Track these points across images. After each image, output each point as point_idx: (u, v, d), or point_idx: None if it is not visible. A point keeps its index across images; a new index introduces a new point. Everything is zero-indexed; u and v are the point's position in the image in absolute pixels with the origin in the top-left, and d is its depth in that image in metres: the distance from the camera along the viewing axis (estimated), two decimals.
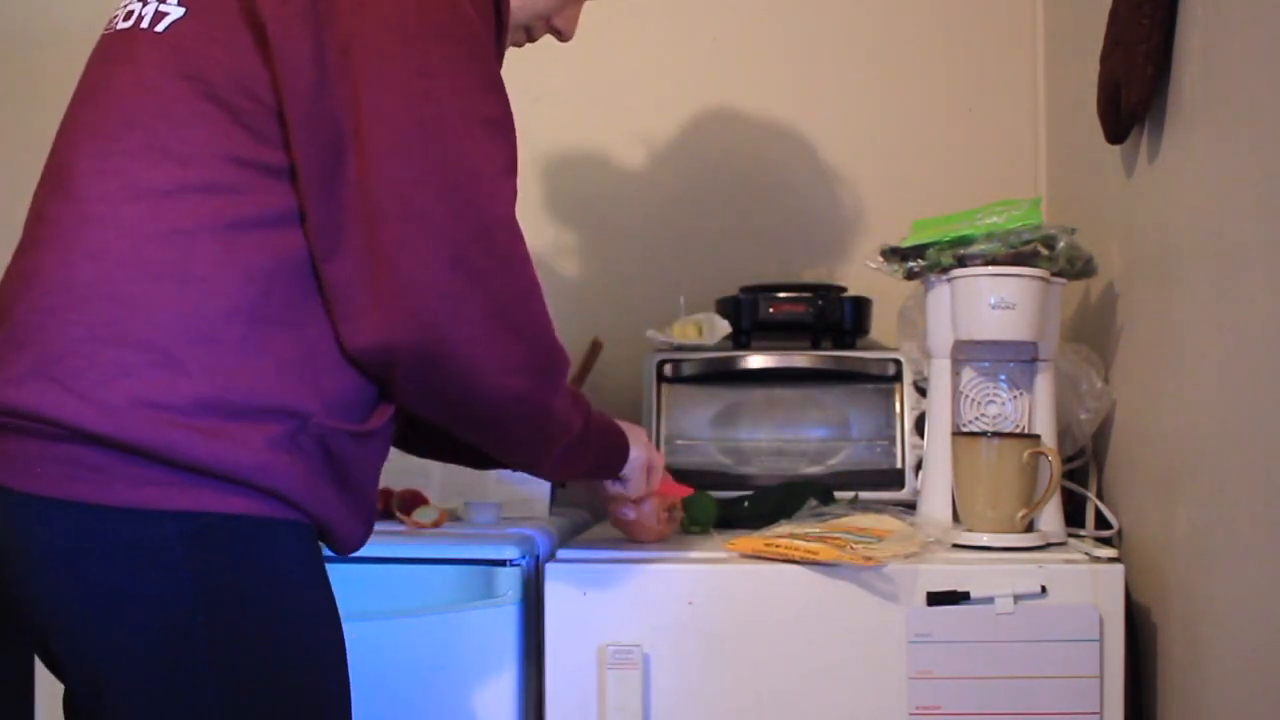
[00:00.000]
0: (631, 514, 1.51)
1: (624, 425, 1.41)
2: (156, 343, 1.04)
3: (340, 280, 1.08)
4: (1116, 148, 1.63)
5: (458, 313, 1.08)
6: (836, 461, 1.85)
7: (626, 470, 1.42)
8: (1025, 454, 1.50)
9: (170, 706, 1.05)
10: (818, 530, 1.52)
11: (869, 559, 1.41)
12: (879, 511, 1.63)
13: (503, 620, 1.51)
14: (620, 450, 1.40)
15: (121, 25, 1.17)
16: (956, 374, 1.60)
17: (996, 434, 1.55)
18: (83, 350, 1.03)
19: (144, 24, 1.14)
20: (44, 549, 1.04)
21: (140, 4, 1.16)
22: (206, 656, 1.04)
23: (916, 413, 1.77)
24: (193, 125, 1.08)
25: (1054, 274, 1.56)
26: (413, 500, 1.76)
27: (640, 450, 1.42)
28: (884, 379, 1.84)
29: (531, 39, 1.42)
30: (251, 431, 1.05)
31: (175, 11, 1.13)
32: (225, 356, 1.05)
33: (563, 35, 1.43)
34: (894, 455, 1.82)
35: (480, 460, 1.37)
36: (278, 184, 1.09)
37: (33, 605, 1.06)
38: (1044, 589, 1.41)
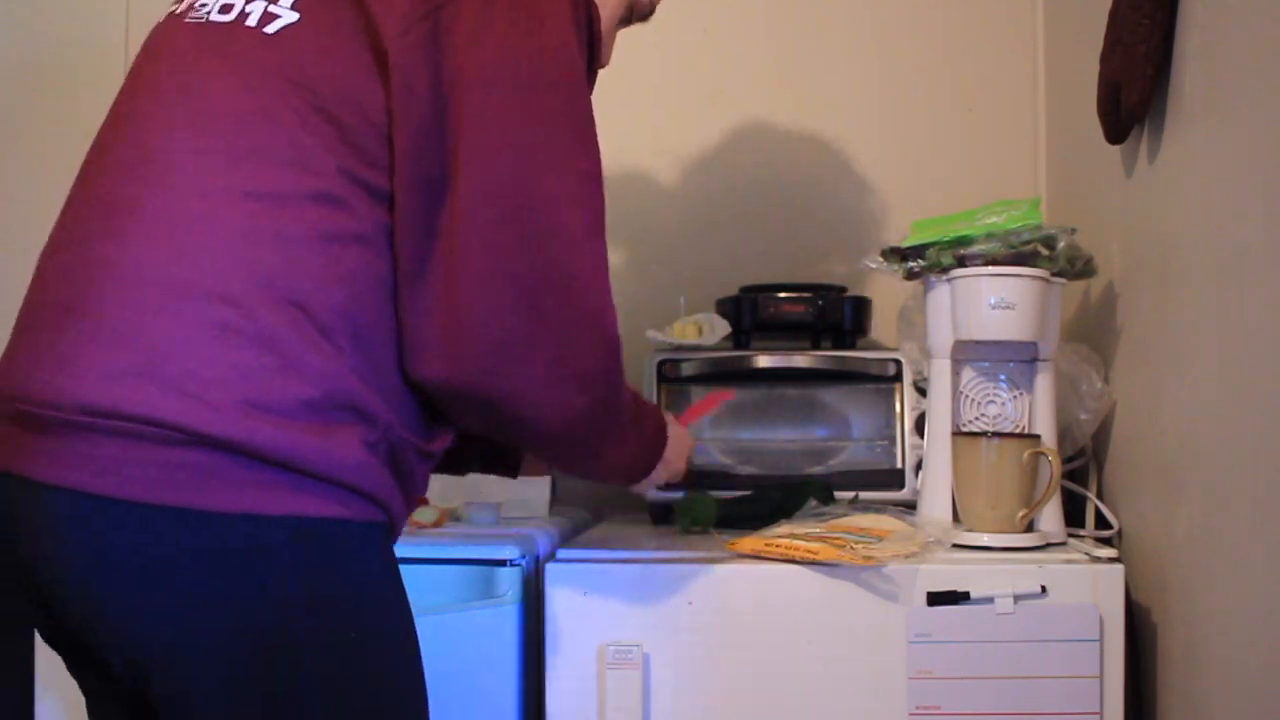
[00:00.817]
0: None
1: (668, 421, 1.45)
2: (268, 345, 1.03)
3: (416, 309, 1.09)
4: (1116, 148, 1.63)
5: (521, 360, 1.10)
6: (836, 461, 1.85)
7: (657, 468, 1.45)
8: (1025, 454, 1.50)
9: (270, 711, 1.04)
10: (818, 530, 1.52)
11: (869, 559, 1.41)
12: (879, 511, 1.62)
13: (503, 620, 1.51)
14: (657, 452, 1.42)
15: (218, 17, 1.14)
16: (956, 374, 1.60)
17: (996, 434, 1.55)
18: (194, 351, 1.01)
19: (249, 21, 1.12)
20: (136, 556, 1.00)
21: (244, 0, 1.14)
22: (311, 660, 1.04)
23: (916, 413, 1.77)
24: (301, 134, 1.07)
25: (1054, 274, 1.56)
26: None
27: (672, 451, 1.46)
28: (884, 379, 1.84)
29: None
30: (349, 434, 1.06)
31: (289, 16, 1.12)
32: (330, 360, 1.06)
33: (602, 63, 1.42)
34: (894, 455, 1.82)
35: (514, 470, 1.48)
36: (379, 205, 1.09)
37: (113, 615, 1.01)
38: (1044, 589, 1.41)
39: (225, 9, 1.14)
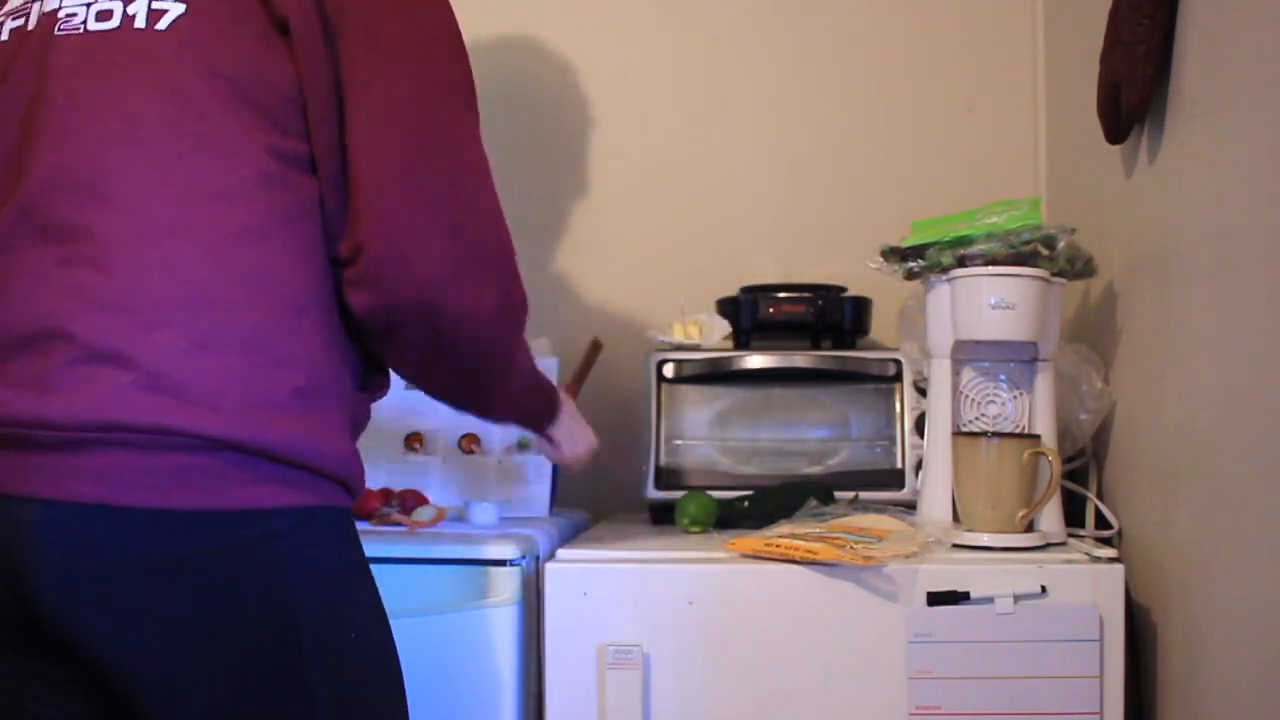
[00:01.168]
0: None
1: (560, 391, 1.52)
2: (255, 344, 1.05)
3: (348, 249, 1.12)
4: (1116, 148, 1.63)
5: (456, 276, 1.14)
6: (836, 461, 1.85)
7: (556, 433, 1.53)
8: (1025, 454, 1.50)
9: (280, 702, 1.07)
10: (818, 530, 1.52)
11: (869, 559, 1.41)
12: (879, 511, 1.62)
13: (503, 620, 1.51)
14: (553, 405, 1.49)
15: (98, 25, 1.11)
16: (956, 374, 1.60)
17: (996, 434, 1.55)
18: (188, 362, 1.02)
19: (138, 23, 1.10)
20: (146, 560, 1.01)
21: (121, 3, 1.12)
22: (315, 645, 1.07)
23: (916, 413, 1.77)
24: (228, 121, 1.08)
25: (1054, 274, 1.56)
26: (413, 501, 1.76)
27: (567, 418, 1.54)
28: (884, 379, 1.84)
29: None
30: (334, 420, 1.12)
31: (175, 7, 1.11)
32: (309, 339, 1.10)
33: None
34: (894, 455, 1.82)
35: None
36: (307, 172, 1.12)
37: (118, 621, 1.01)
38: (1044, 589, 1.41)
39: (103, 15, 1.11)
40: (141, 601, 1.01)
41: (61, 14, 1.13)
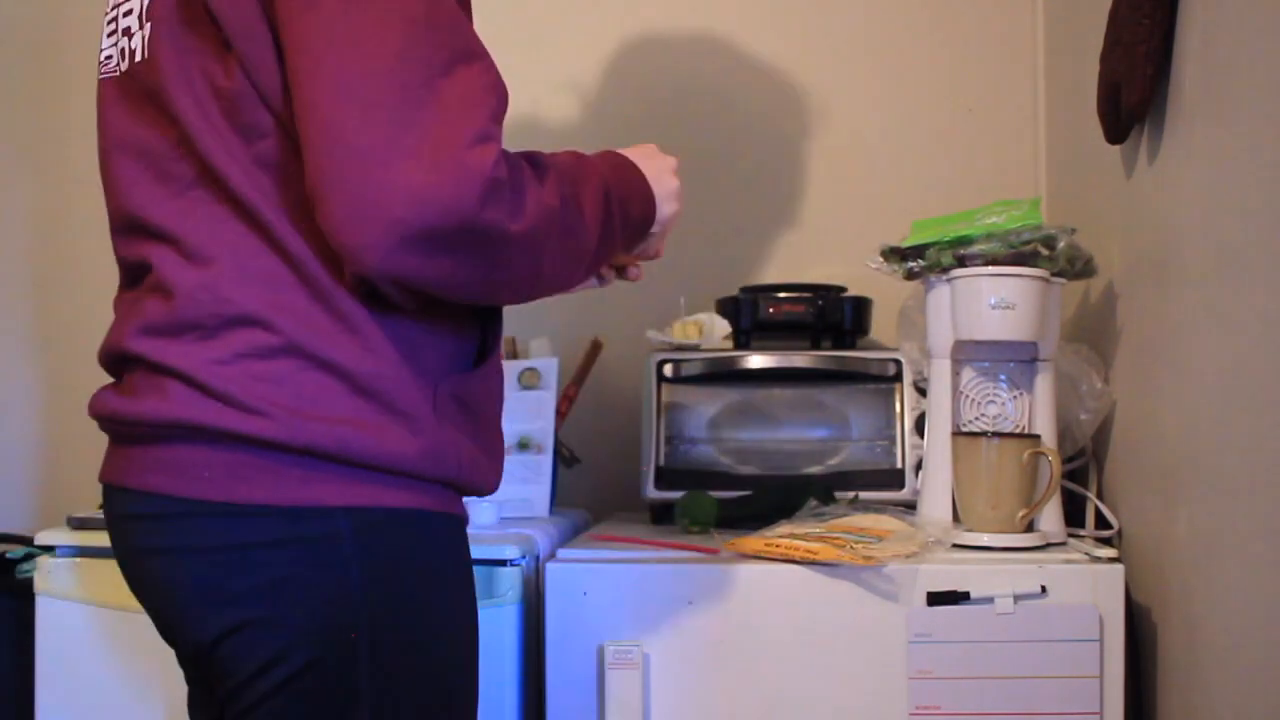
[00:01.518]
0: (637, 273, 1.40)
1: (634, 155, 1.27)
2: (299, 349, 1.06)
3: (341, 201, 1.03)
4: (1116, 148, 1.63)
5: (393, 226, 1.00)
6: (836, 461, 1.85)
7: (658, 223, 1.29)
8: (1025, 454, 1.50)
9: (326, 701, 1.08)
10: (818, 530, 1.52)
11: (869, 559, 1.41)
12: (879, 511, 1.62)
13: (503, 620, 1.51)
14: (646, 202, 1.25)
15: (125, 64, 1.15)
16: (956, 374, 1.60)
17: (996, 434, 1.55)
18: (233, 372, 1.05)
19: (138, 56, 1.13)
20: (204, 548, 1.07)
21: (126, 39, 1.15)
22: (367, 653, 1.07)
23: (916, 413, 1.77)
24: (221, 135, 1.08)
25: (1054, 274, 1.57)
26: None
27: (667, 193, 1.28)
28: (884, 379, 1.84)
29: None
30: (397, 412, 1.08)
31: (148, 31, 1.12)
32: (359, 341, 1.08)
33: None
34: (894, 455, 1.82)
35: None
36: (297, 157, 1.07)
37: (189, 606, 1.09)
38: (1044, 589, 1.41)
39: (126, 55, 1.16)
40: (211, 580, 1.07)
41: (102, 57, 1.20)
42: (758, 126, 2.19)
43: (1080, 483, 1.70)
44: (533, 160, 1.11)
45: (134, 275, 1.16)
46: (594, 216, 1.15)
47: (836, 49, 2.19)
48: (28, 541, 1.87)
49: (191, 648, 1.12)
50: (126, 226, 1.15)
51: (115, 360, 1.15)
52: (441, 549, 1.14)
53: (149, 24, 1.12)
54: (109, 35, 1.19)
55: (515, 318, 2.17)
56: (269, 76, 1.06)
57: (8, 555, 1.87)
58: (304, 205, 1.06)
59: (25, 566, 1.80)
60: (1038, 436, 1.55)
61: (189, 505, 1.07)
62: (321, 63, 1.01)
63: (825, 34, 2.19)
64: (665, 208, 1.27)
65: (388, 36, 1.01)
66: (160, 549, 1.10)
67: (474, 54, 1.06)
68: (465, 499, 1.18)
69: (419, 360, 1.11)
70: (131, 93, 1.14)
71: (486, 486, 1.20)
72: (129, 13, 1.16)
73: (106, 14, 1.20)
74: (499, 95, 1.06)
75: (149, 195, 1.12)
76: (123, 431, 1.13)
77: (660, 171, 1.27)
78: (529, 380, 1.97)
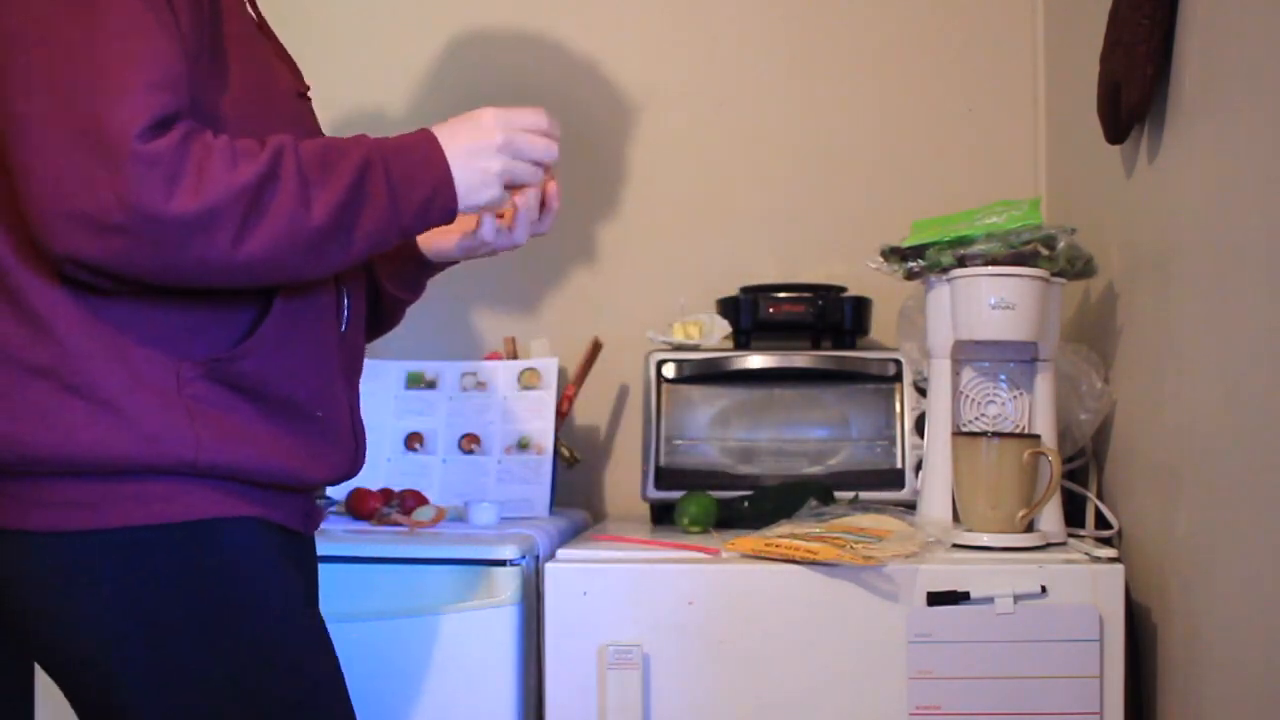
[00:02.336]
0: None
1: (448, 133, 1.16)
2: (6, 359, 1.06)
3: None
4: (1116, 148, 1.63)
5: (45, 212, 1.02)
6: (836, 461, 1.85)
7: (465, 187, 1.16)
8: (1025, 454, 1.50)
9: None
10: (818, 530, 1.52)
11: (869, 559, 1.41)
12: (879, 511, 1.62)
13: (503, 620, 1.51)
14: (439, 183, 1.15)
15: None
16: (956, 374, 1.60)
17: (996, 434, 1.55)
18: None
19: None
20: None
21: None
22: (143, 679, 1.07)
23: (916, 413, 1.77)
24: None
25: (1054, 274, 1.56)
26: (413, 501, 1.77)
27: (478, 180, 1.16)
28: (884, 379, 1.84)
29: None
30: (130, 402, 1.06)
31: None
32: (65, 342, 1.06)
33: None
34: (894, 455, 1.82)
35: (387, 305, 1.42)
36: None
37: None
38: (1044, 589, 1.41)
39: None
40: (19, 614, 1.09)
41: None
42: (757, 126, 2.19)
43: (1080, 483, 1.70)
44: (221, 144, 1.05)
45: None
46: (328, 196, 1.08)
47: (836, 48, 2.19)
48: None
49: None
50: None
51: None
52: (218, 560, 1.10)
53: None
54: None
55: (515, 318, 2.18)
56: None
57: None
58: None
59: None
60: (1038, 436, 1.55)
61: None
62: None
63: (825, 33, 2.19)
64: (473, 196, 1.16)
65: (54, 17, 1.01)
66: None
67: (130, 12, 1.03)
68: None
69: (141, 347, 1.07)
70: None
71: (305, 474, 1.15)
72: None
73: None
74: (156, 59, 1.04)
75: None
76: None
77: (476, 154, 1.16)
78: (529, 380, 1.97)
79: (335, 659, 1.18)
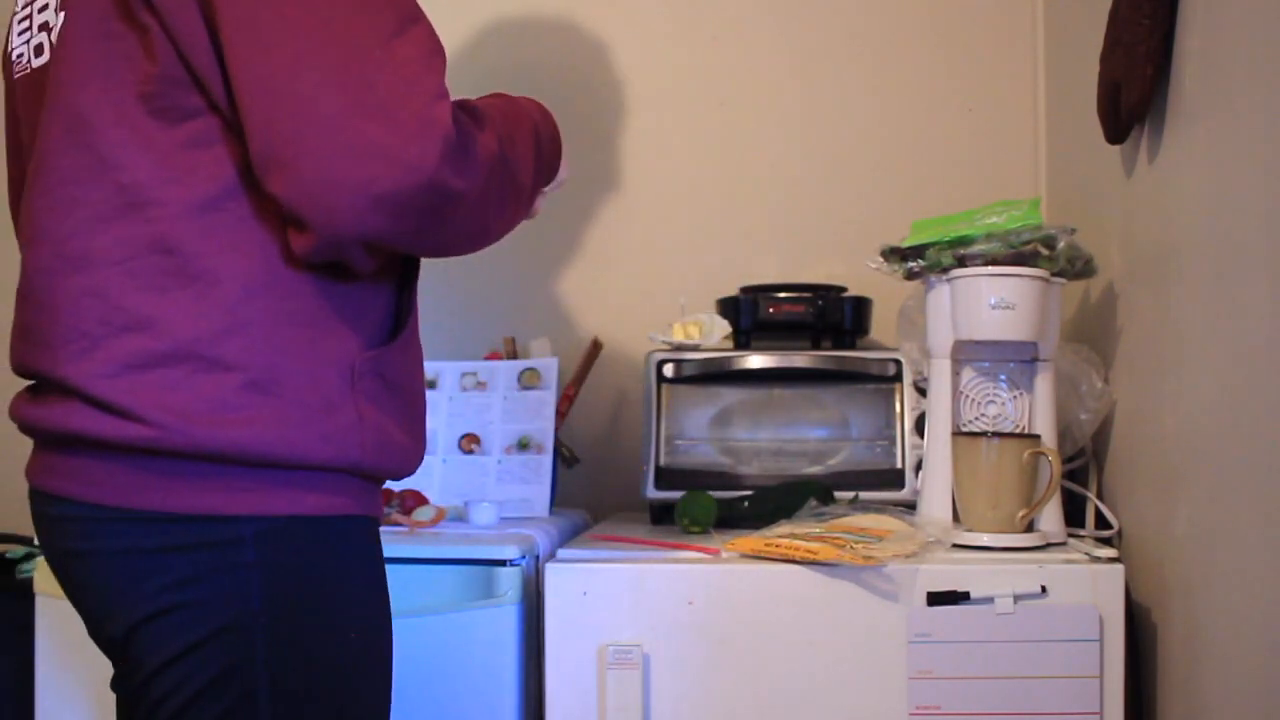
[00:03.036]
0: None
1: (521, 105, 1.27)
2: (187, 353, 1.05)
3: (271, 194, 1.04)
4: (1116, 148, 1.63)
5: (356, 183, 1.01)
6: (836, 461, 1.85)
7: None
8: (1025, 454, 1.50)
9: (225, 702, 1.07)
10: (818, 530, 1.52)
11: (869, 559, 1.41)
12: (879, 511, 1.62)
13: (503, 620, 1.51)
14: (557, 140, 1.32)
15: (37, 61, 1.14)
16: (956, 374, 1.60)
17: (996, 434, 1.55)
18: (119, 383, 1.05)
19: (47, 51, 1.12)
20: (112, 551, 1.08)
21: (45, 33, 1.13)
22: (264, 659, 1.07)
23: (916, 413, 1.77)
24: (118, 128, 1.06)
25: (1054, 274, 1.57)
26: (413, 501, 1.77)
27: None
28: (884, 379, 1.84)
29: None
30: (298, 404, 1.07)
31: (59, 21, 1.11)
32: (253, 337, 1.06)
33: None
34: (894, 455, 1.82)
35: None
36: (216, 147, 1.07)
37: (101, 604, 1.11)
38: (1044, 589, 1.41)
39: (39, 50, 1.14)
40: (119, 582, 1.08)
41: (14, 55, 1.19)
42: (757, 126, 2.19)
43: (1080, 483, 1.70)
44: (469, 110, 1.11)
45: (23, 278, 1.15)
46: (527, 156, 1.19)
47: (837, 48, 2.19)
48: (28, 541, 1.87)
49: (107, 644, 1.13)
50: (26, 235, 1.14)
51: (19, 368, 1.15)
52: (346, 556, 1.14)
53: (62, 12, 1.11)
54: (21, 33, 1.17)
55: (515, 318, 2.18)
56: (202, 56, 1.04)
57: (8, 555, 1.87)
58: (210, 200, 1.05)
59: (25, 566, 1.81)
60: (1038, 436, 1.55)
61: (95, 510, 1.07)
62: (272, 35, 1.01)
63: (825, 33, 2.19)
64: (556, 182, 1.34)
65: (336, 4, 1.01)
66: (75, 551, 1.11)
67: (418, 16, 1.07)
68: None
69: (324, 342, 1.10)
70: (39, 91, 1.12)
71: (405, 468, 1.18)
72: (44, 7, 1.14)
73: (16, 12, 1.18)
74: (442, 55, 1.07)
75: (41, 198, 1.10)
76: (37, 436, 1.14)
77: (559, 156, 1.33)
78: (529, 380, 1.97)
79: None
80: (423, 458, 1.22)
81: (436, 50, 1.06)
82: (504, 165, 1.12)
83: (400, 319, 1.18)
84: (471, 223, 1.11)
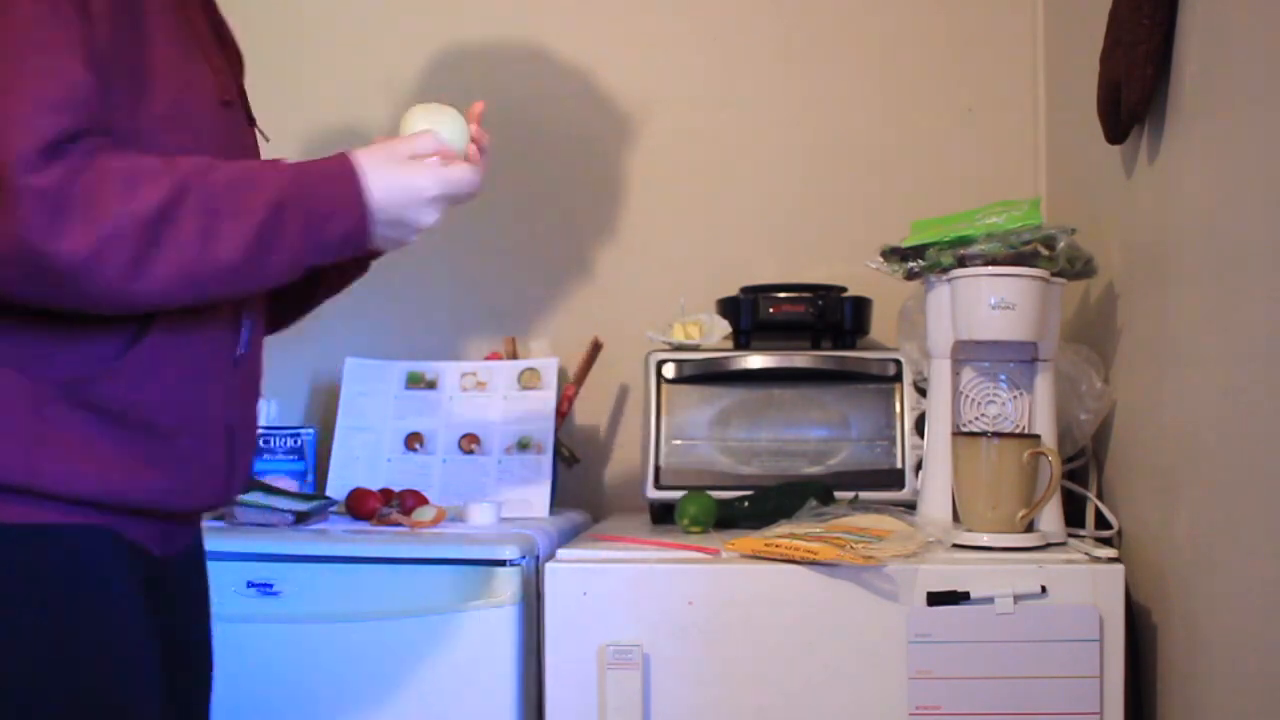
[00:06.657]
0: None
1: (372, 161, 1.15)
2: None
3: None
4: (1116, 148, 1.63)
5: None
6: (836, 461, 1.85)
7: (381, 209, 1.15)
8: (1025, 454, 1.50)
9: None
10: (818, 530, 1.52)
11: (869, 559, 1.41)
12: (879, 511, 1.62)
13: (503, 620, 1.51)
14: (351, 217, 1.14)
15: None
16: (956, 374, 1.60)
17: (996, 434, 1.55)
18: None
19: None
20: None
21: None
22: None
23: (916, 413, 1.77)
24: None
25: (1054, 274, 1.57)
26: (413, 501, 1.77)
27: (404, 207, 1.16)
28: (884, 379, 1.84)
29: None
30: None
31: None
32: None
33: None
34: (894, 455, 1.82)
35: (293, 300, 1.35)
36: None
37: None
38: (1044, 589, 1.41)
39: None
40: None
41: None
42: (757, 126, 2.19)
43: (1080, 483, 1.70)
44: (140, 162, 1.04)
45: None
46: (241, 230, 1.07)
47: (837, 48, 2.19)
48: None
49: None
50: None
51: None
52: (13, 569, 1.07)
53: None
54: None
55: (515, 318, 2.18)
56: None
57: None
58: None
59: None
60: (1038, 436, 1.55)
61: None
62: None
63: (825, 33, 2.19)
64: (392, 243, 1.19)
65: None
66: None
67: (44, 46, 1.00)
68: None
69: (3, 365, 1.05)
70: None
71: (161, 501, 1.13)
72: None
73: None
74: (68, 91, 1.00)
75: None
76: None
77: (402, 191, 1.16)
78: (529, 380, 1.97)
79: (156, 696, 1.14)
80: (210, 495, 1.18)
81: (44, 76, 0.99)
82: (155, 231, 1.02)
83: (131, 349, 1.10)
84: (95, 285, 1.01)
